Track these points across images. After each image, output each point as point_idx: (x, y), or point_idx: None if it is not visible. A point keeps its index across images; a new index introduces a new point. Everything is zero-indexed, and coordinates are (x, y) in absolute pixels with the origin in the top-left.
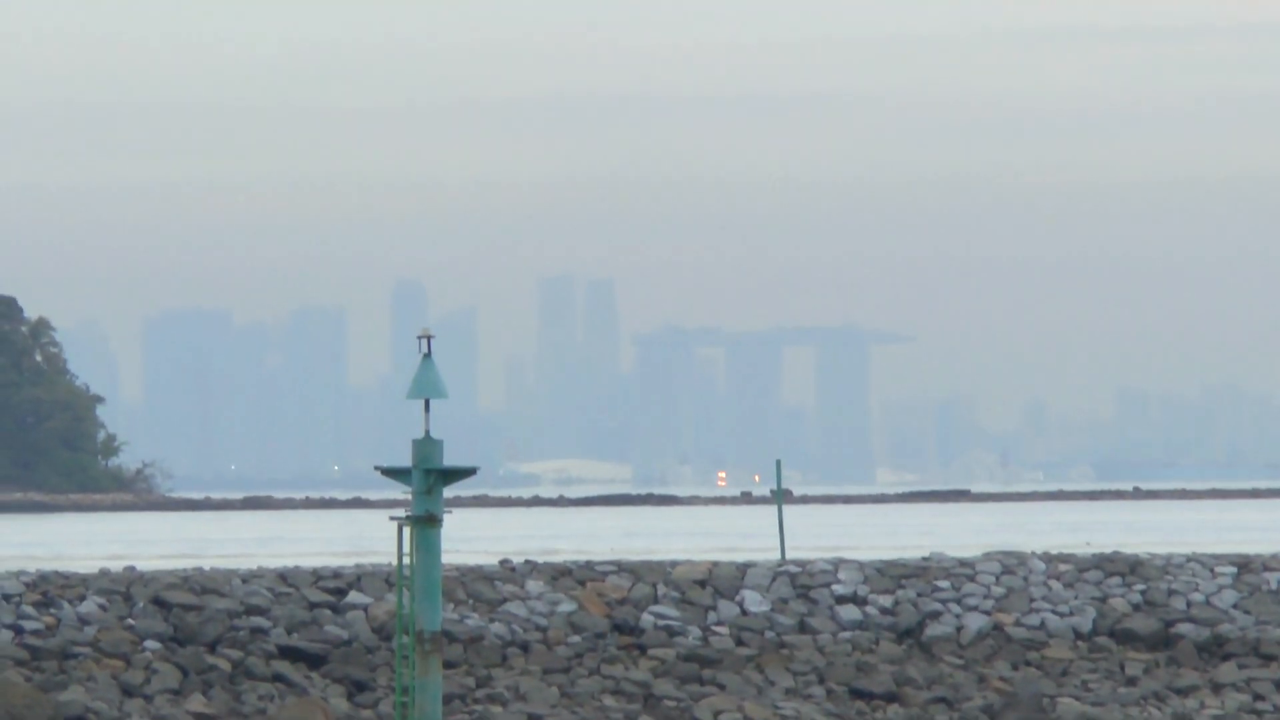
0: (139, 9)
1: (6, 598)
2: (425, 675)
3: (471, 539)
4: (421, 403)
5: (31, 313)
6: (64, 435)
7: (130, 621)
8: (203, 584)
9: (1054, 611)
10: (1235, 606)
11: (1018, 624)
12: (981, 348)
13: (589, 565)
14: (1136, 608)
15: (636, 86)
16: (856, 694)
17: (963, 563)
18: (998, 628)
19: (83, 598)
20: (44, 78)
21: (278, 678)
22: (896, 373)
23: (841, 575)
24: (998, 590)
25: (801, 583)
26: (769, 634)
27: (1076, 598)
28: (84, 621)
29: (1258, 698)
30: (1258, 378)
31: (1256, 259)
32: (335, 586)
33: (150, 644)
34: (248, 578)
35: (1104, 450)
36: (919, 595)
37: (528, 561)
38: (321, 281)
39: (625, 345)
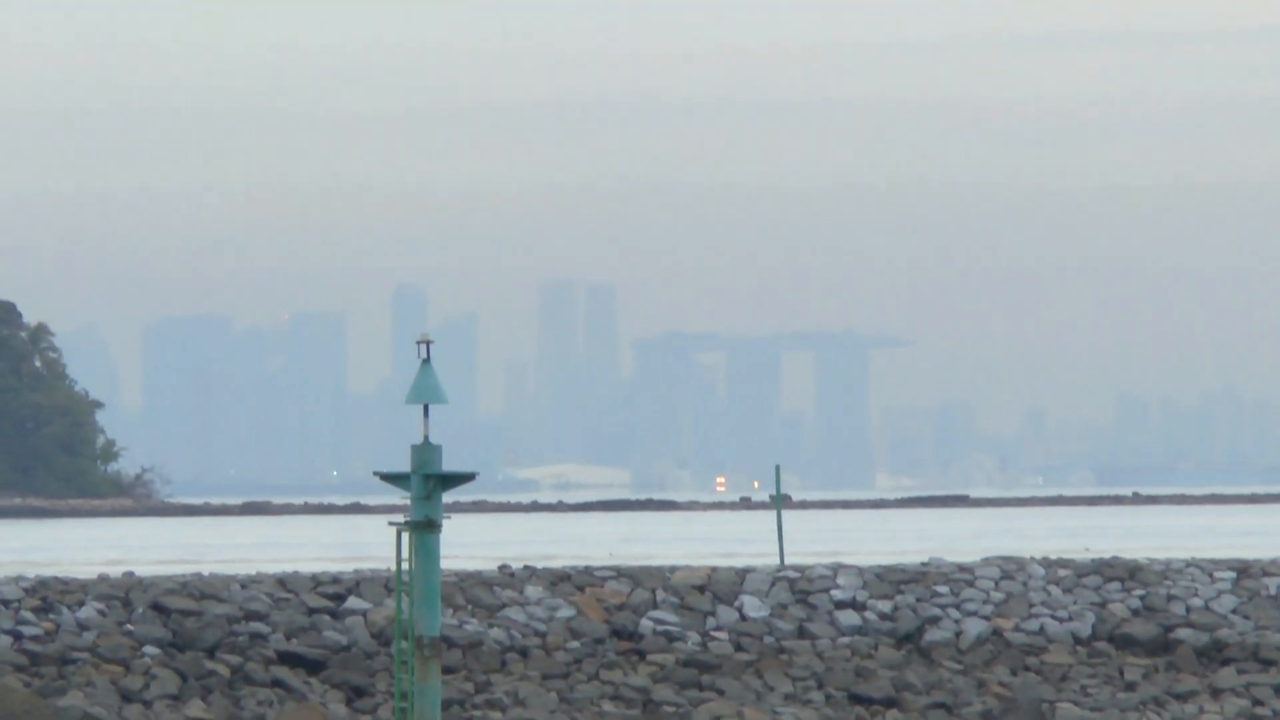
0: (139, 14)
1: (5, 603)
2: (424, 680)
3: (470, 544)
4: (421, 408)
5: (31, 318)
6: (63, 440)
7: (129, 627)
8: (202, 589)
9: (1053, 617)
10: (1234, 611)
11: (1017, 629)
12: (981, 353)
13: (588, 570)
14: (1136, 613)
15: (636, 92)
16: (856, 699)
17: (962, 568)
18: (997, 633)
19: (82, 603)
20: (43, 83)
21: (277, 683)
22: (896, 378)
23: (841, 580)
24: (997, 595)
25: (800, 588)
26: (768, 639)
27: (1076, 603)
28: (83, 627)
29: (1257, 703)
30: (1257, 383)
31: (1256, 264)
32: (334, 592)
33: (149, 649)
34: (247, 583)
35: (1103, 455)
36: (918, 600)
37: (527, 567)
38: (321, 286)
39: (625, 350)
